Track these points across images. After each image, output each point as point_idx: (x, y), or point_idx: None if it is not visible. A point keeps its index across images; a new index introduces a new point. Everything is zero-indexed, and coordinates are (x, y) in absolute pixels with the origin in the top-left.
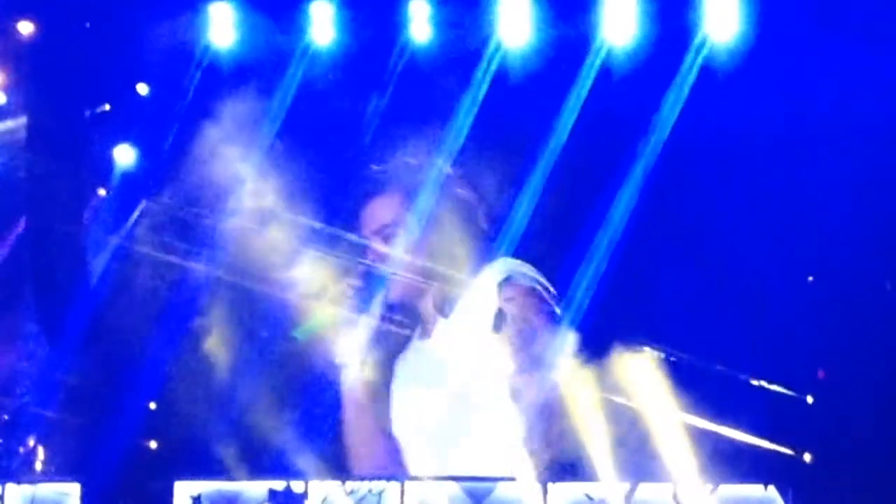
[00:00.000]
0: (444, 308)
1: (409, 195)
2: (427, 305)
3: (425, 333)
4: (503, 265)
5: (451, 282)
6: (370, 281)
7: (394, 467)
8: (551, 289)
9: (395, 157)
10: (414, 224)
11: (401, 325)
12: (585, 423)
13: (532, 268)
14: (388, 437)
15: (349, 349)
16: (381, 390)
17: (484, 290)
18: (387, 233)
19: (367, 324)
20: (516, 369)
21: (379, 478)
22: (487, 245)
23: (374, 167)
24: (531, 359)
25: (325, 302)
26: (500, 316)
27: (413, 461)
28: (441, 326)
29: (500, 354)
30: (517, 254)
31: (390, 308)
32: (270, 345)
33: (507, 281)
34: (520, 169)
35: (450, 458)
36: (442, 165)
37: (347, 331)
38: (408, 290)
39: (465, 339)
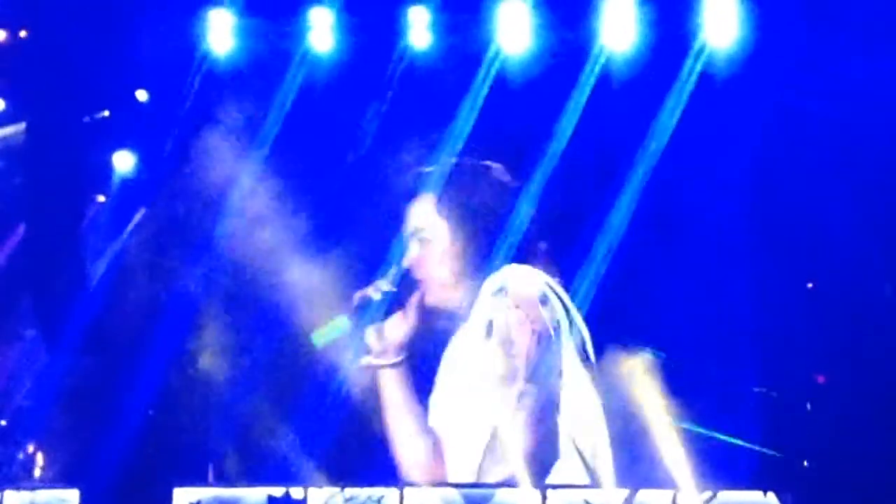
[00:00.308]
0: (467, 312)
1: (446, 197)
2: (463, 307)
3: (457, 333)
4: (504, 274)
5: (476, 285)
6: (405, 284)
7: (437, 461)
8: (554, 299)
9: (435, 158)
10: (448, 226)
11: (439, 326)
12: (581, 429)
13: (544, 276)
14: (430, 432)
15: (387, 351)
16: (419, 389)
17: (482, 297)
18: (422, 235)
19: (404, 326)
20: (504, 377)
21: (377, 484)
22: (526, 247)
23: (424, 168)
24: (513, 369)
25: (354, 307)
26: (489, 326)
27: (450, 455)
28: (462, 329)
29: (491, 362)
30: (516, 258)
31: (427, 310)
32: (270, 352)
33: (500, 291)
34: (518, 174)
35: (470, 456)
36: (490, 168)
37: (381, 333)
38: (444, 294)
39: (470, 343)
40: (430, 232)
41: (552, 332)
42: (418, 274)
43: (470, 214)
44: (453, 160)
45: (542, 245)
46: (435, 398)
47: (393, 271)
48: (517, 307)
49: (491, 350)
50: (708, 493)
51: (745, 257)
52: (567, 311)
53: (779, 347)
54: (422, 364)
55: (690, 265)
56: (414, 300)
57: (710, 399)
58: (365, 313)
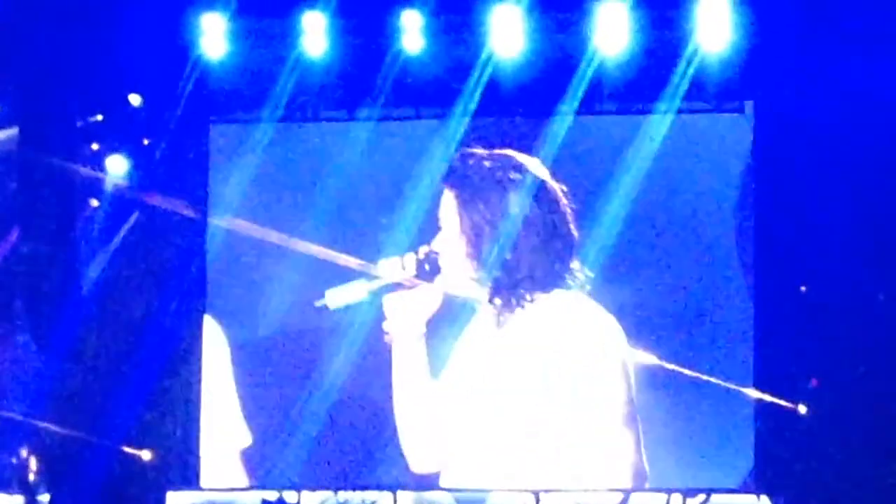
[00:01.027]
0: (502, 313)
1: (459, 192)
2: (476, 300)
3: (484, 321)
4: (587, 321)
5: (512, 293)
6: (432, 266)
7: (441, 440)
8: (609, 344)
9: (463, 153)
10: (460, 221)
11: (452, 314)
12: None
13: (599, 311)
14: (437, 408)
15: (406, 323)
16: (432, 365)
17: (548, 324)
18: (440, 225)
19: (424, 304)
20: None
21: (370, 488)
22: (568, 256)
23: (465, 150)
24: (558, 417)
25: (375, 275)
26: (545, 367)
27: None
28: (486, 325)
29: (541, 402)
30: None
31: (445, 296)
32: (264, 351)
33: (576, 337)
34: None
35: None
36: (502, 163)
37: (400, 305)
38: (459, 285)
39: (510, 358)
40: (444, 223)
41: (620, 390)
42: (440, 260)
43: (479, 212)
44: (469, 155)
45: (577, 263)
46: (447, 380)
47: (424, 249)
48: (588, 367)
49: (540, 393)
50: (701, 497)
51: (739, 259)
52: (626, 368)
53: (772, 350)
54: (430, 345)
55: (684, 267)
56: (436, 283)
57: (704, 402)
58: (385, 283)
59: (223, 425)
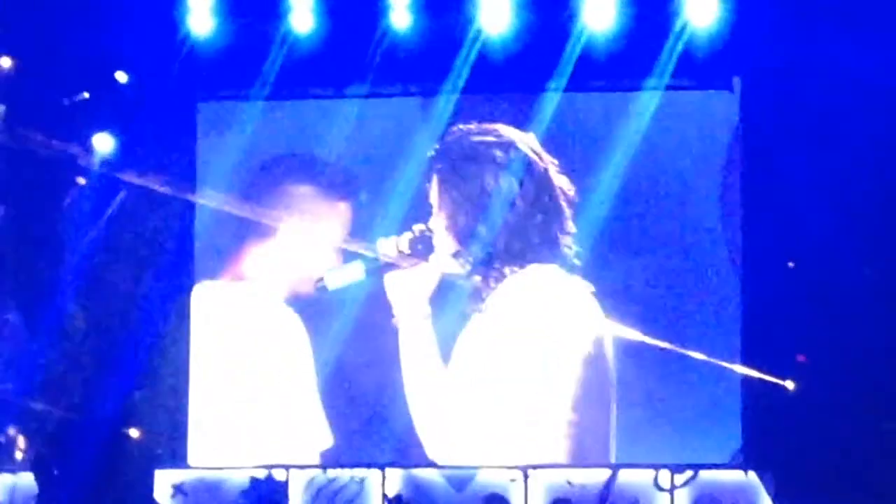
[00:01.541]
0: (483, 289)
1: (445, 174)
2: (468, 280)
3: (477, 306)
4: (551, 286)
5: (488, 268)
6: (426, 246)
7: (451, 420)
8: (579, 318)
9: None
10: (444, 203)
11: (447, 293)
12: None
13: (578, 282)
14: (447, 388)
15: (410, 304)
16: (436, 347)
17: (541, 307)
18: (430, 207)
19: (422, 283)
20: (552, 404)
21: (360, 465)
22: (551, 230)
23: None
24: (562, 399)
25: (375, 253)
26: (546, 355)
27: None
28: (476, 301)
29: (543, 385)
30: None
31: (441, 276)
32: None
33: (565, 320)
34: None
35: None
36: (485, 145)
37: (400, 284)
38: (450, 264)
39: (512, 343)
40: (434, 204)
41: (610, 370)
42: (434, 239)
43: (458, 188)
44: (451, 132)
45: (567, 240)
46: (456, 363)
47: (419, 227)
48: (580, 351)
49: (543, 374)
50: (689, 472)
51: (726, 236)
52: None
53: (760, 326)
54: (439, 323)
55: (671, 243)
56: (431, 262)
57: (692, 378)
58: (382, 263)
59: (305, 425)
